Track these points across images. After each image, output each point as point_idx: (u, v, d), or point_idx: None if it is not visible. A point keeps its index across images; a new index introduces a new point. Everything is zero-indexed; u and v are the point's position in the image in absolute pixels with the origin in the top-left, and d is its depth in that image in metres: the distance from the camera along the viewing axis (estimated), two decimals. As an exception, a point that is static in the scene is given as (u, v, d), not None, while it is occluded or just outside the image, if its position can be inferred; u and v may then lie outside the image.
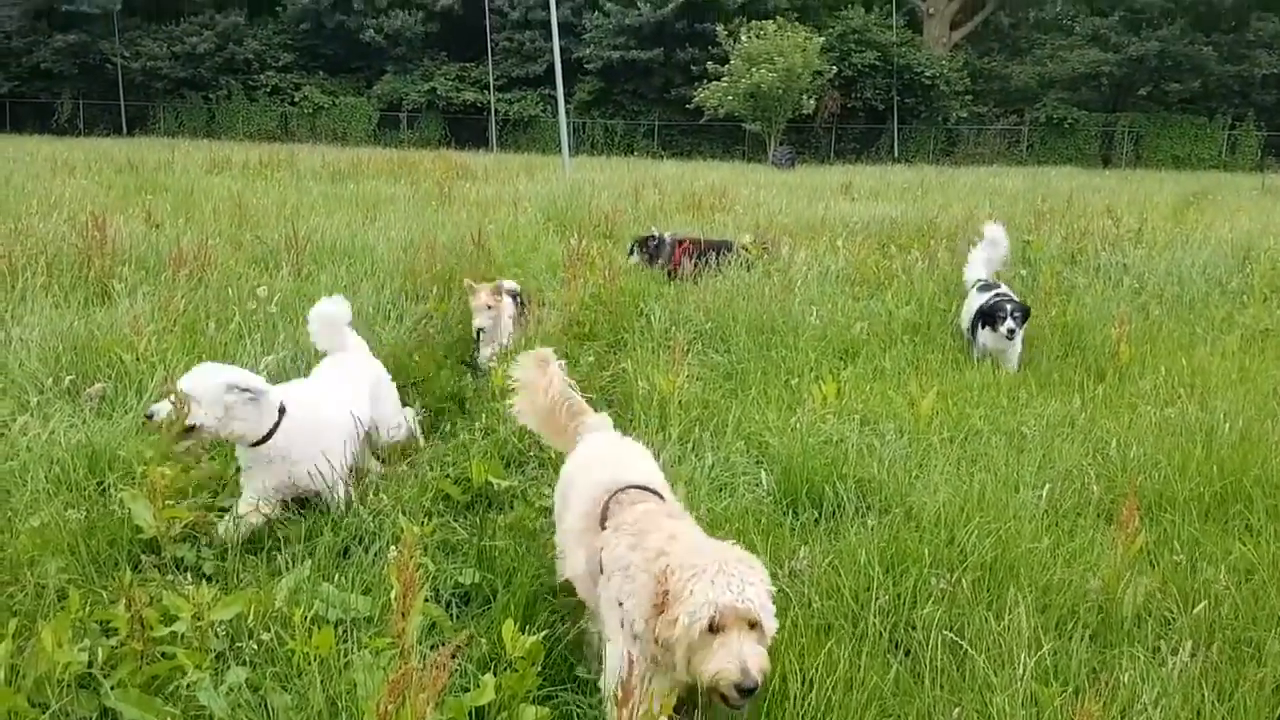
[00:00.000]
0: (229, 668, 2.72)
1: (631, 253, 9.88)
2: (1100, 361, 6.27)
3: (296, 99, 50.76)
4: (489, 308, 6.32)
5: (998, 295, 6.82)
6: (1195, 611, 3.17)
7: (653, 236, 9.94)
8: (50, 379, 4.80)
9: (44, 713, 2.54)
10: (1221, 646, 3.03)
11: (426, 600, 3.29)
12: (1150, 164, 42.66)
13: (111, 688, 2.59)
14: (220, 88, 51.11)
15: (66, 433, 4.25)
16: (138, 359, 5.10)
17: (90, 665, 2.66)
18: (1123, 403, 5.46)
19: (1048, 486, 4.21)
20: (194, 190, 14.19)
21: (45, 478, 3.80)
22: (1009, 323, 6.36)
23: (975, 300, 6.99)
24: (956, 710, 2.58)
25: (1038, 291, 7.84)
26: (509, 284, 6.89)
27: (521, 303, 6.98)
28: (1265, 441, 4.74)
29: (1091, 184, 23.45)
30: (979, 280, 7.37)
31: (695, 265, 9.09)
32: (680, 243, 9.77)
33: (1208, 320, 7.51)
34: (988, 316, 6.59)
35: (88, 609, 2.98)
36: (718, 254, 9.49)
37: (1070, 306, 7.50)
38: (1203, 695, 2.76)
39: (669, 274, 9.40)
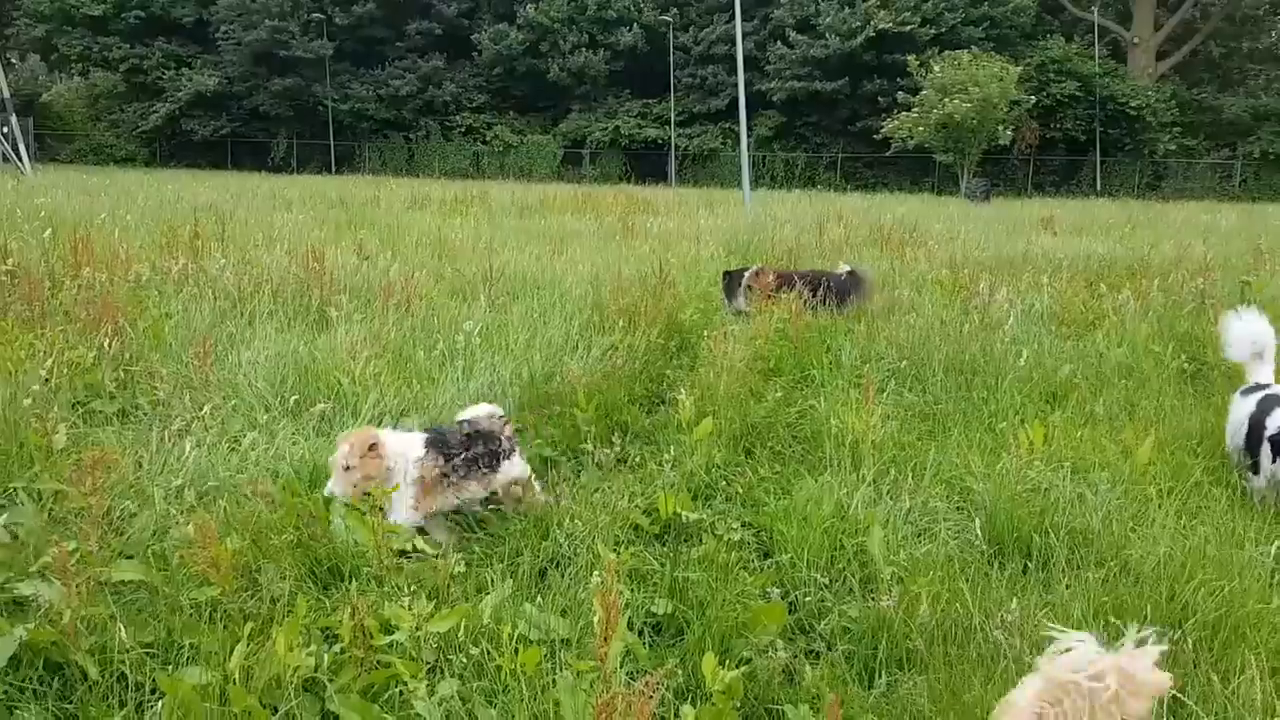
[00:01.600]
0: (441, 679, 2.82)
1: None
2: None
3: (488, 138, 53.32)
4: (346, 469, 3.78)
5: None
6: None
7: (738, 271, 9.51)
8: (277, 399, 5.16)
9: (274, 714, 2.70)
10: None
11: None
12: (1382, 200, 38.86)
13: (334, 693, 2.74)
14: (420, 128, 54.32)
15: (290, 449, 4.56)
16: (354, 382, 5.43)
17: (315, 670, 2.82)
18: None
19: (1276, 543, 3.86)
20: (398, 225, 15.06)
21: (276, 487, 4.07)
22: None
23: (1243, 407, 4.92)
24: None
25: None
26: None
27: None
28: None
29: (1318, 220, 21.57)
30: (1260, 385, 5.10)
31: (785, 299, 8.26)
32: (759, 273, 9.06)
33: None
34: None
35: (313, 616, 3.17)
36: (816, 288, 8.88)
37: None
38: None
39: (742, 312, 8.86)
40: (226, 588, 3.19)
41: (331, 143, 53.53)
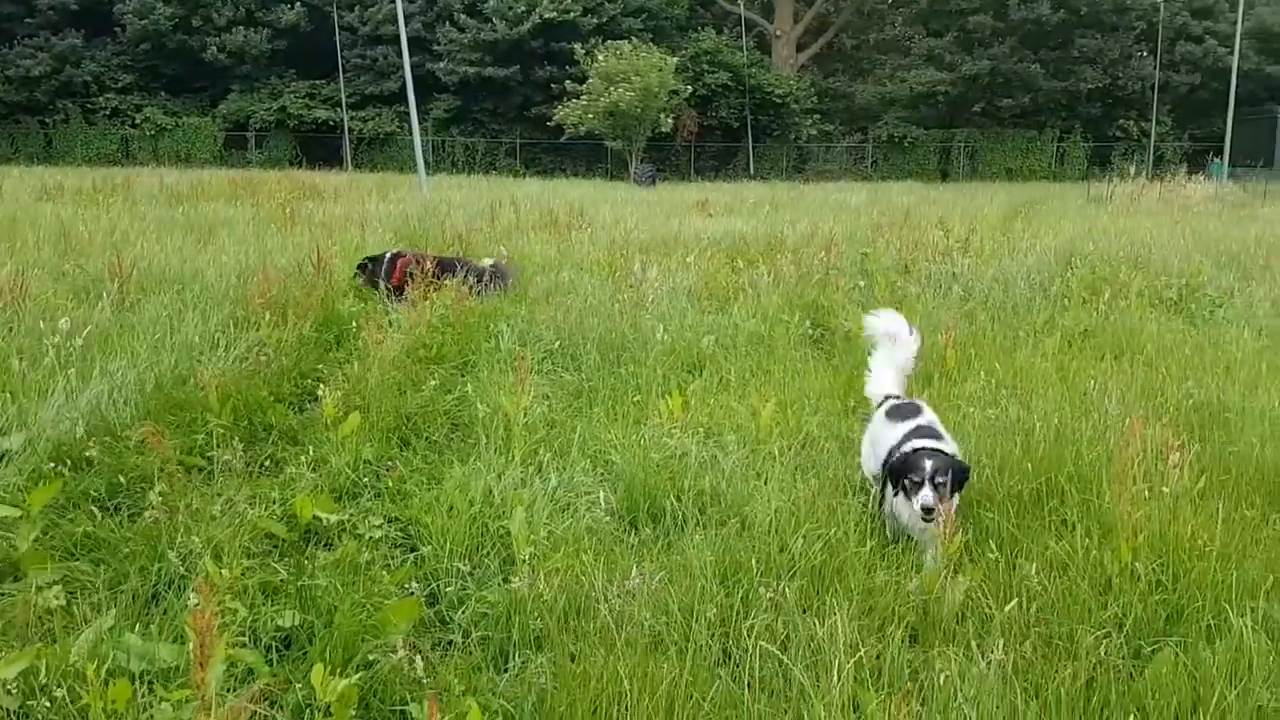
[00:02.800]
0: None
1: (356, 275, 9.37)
2: (928, 367, 6.50)
3: (138, 121, 48.59)
4: None
5: (917, 439, 4.03)
6: (1009, 609, 3.29)
7: (379, 257, 9.37)
8: None
9: None
10: (1035, 642, 3.15)
11: (242, 646, 3.14)
12: (985, 177, 45.12)
13: None
14: (57, 111, 48.43)
15: None
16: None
17: None
18: (949, 405, 5.67)
19: (873, 490, 4.33)
20: (19, 219, 13.29)
21: None
22: (925, 494, 3.71)
23: (885, 433, 4.31)
24: (776, 721, 2.61)
25: (873, 302, 8.09)
26: None
27: None
28: (1078, 439, 5.00)
29: (929, 197, 24.56)
30: (889, 397, 4.69)
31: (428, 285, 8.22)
32: (399, 256, 9.19)
33: (1030, 324, 7.91)
34: (898, 474, 3.91)
35: None
36: (457, 274, 8.77)
37: (903, 315, 7.77)
38: (1016, 691, 2.86)
39: (391, 293, 8.81)
40: None
41: (-51, 130, 46.39)
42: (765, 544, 3.81)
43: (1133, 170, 25.33)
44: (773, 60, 51.31)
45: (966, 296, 8.99)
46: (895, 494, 3.97)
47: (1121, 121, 48.27)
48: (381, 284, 8.97)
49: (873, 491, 4.35)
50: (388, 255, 9.31)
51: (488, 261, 9.77)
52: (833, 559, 3.71)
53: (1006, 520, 4.08)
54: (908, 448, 3.97)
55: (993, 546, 3.76)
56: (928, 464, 3.79)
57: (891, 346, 5.05)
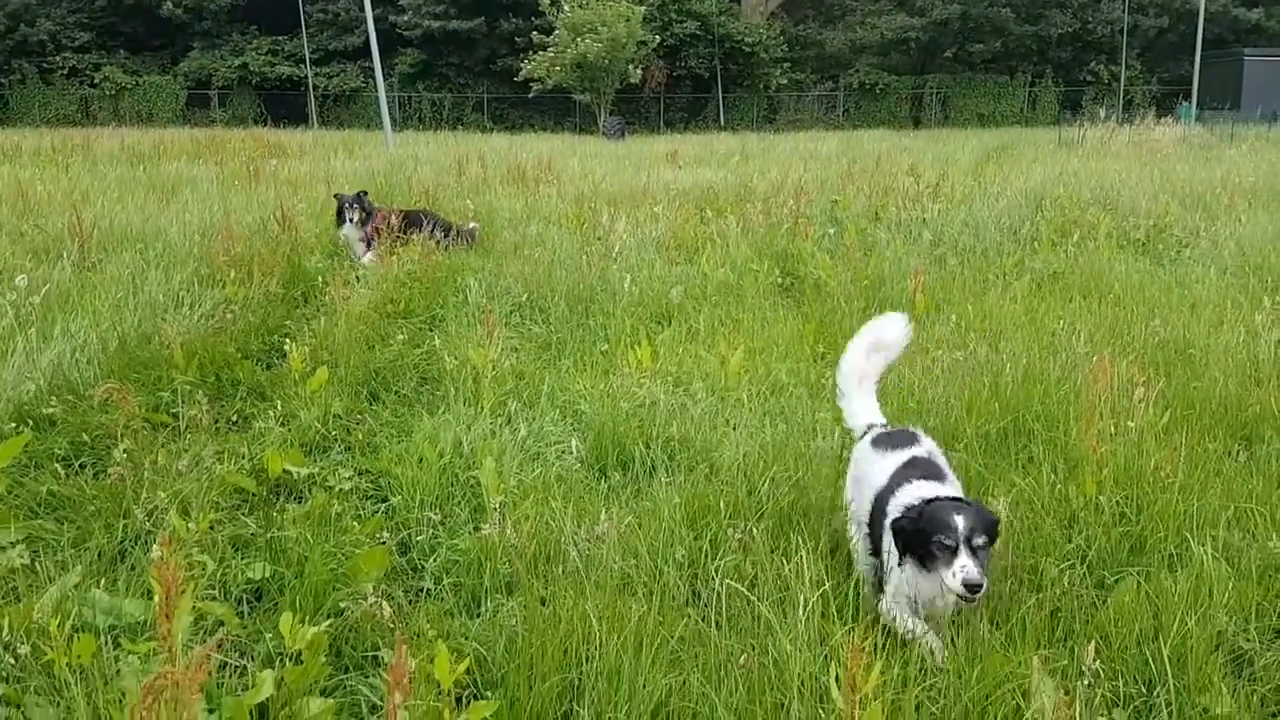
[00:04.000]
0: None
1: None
2: (899, 312, 6.53)
3: (97, 80, 47.46)
4: None
5: (921, 481, 3.03)
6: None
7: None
8: None
9: None
10: (1002, 576, 3.19)
11: (212, 599, 3.13)
12: (957, 123, 44.98)
13: None
14: (12, 71, 47.16)
15: None
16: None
17: None
18: (917, 349, 5.69)
19: (839, 432, 4.35)
20: (-30, 180, 13.02)
21: None
22: (967, 566, 2.70)
23: (874, 471, 3.26)
24: (744, 655, 2.63)
25: (842, 249, 8.10)
26: None
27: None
28: (1046, 378, 5.04)
29: (901, 145, 24.48)
30: (874, 426, 3.60)
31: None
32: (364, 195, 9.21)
33: (1000, 267, 7.94)
34: (915, 536, 2.84)
35: None
36: (424, 229, 8.84)
37: (872, 261, 7.79)
38: (983, 620, 2.91)
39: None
40: None
41: (-103, 92, 45.16)
42: (734, 488, 3.83)
43: (1103, 114, 25.33)
44: (742, 8, 50.71)
45: (937, 242, 9.01)
46: (907, 561, 2.88)
47: (1092, 65, 48.13)
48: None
49: (854, 548, 3.32)
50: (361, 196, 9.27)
51: (472, 224, 9.94)
52: (800, 499, 3.74)
53: (974, 459, 4.12)
54: (914, 494, 2.96)
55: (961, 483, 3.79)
56: (960, 521, 2.73)
57: (875, 353, 3.86)
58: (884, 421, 3.65)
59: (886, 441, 3.38)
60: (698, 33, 46.63)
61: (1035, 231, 9.44)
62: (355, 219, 8.93)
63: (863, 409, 3.72)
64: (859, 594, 3.04)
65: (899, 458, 3.22)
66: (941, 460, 3.31)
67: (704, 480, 3.95)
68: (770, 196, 11.47)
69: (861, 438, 3.56)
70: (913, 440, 3.35)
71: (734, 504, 3.67)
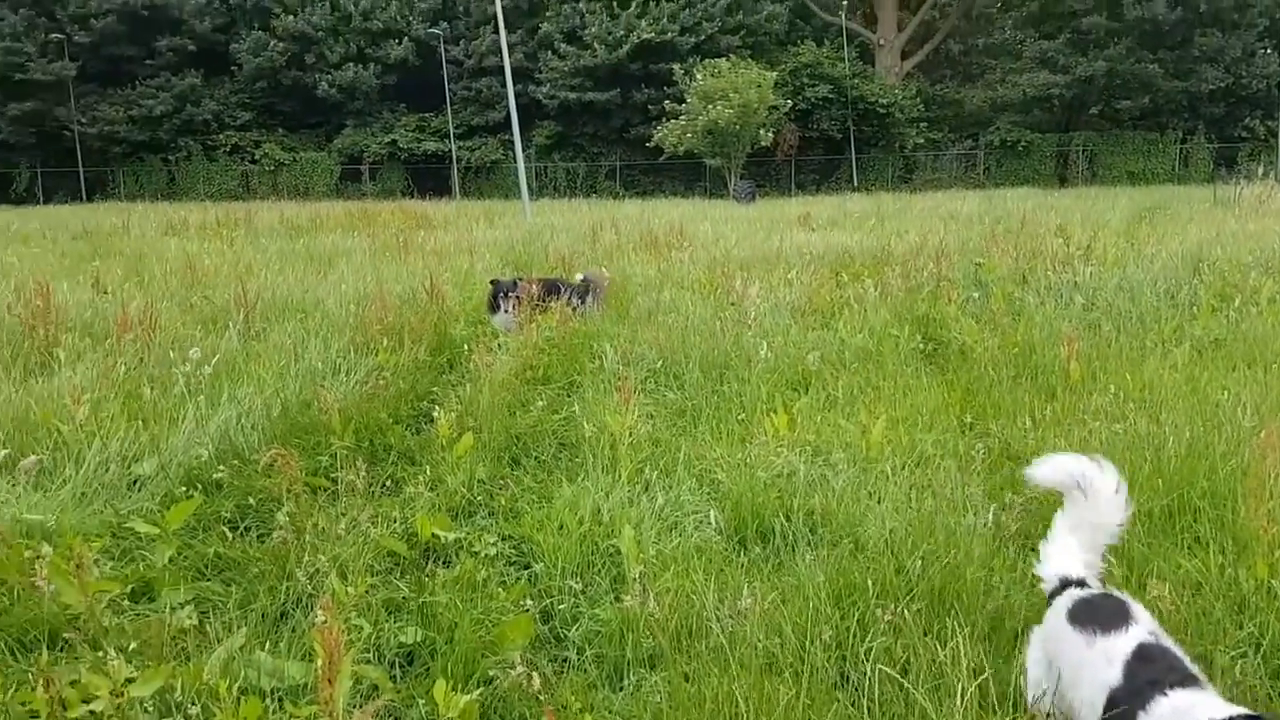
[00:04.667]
0: (153, 746, 2.63)
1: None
2: (1051, 381, 6.29)
3: (257, 156, 50.85)
4: None
5: (1167, 681, 2.26)
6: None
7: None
8: (-17, 453, 4.69)
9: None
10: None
11: (367, 663, 3.23)
12: (1106, 181, 43.46)
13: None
14: (180, 149, 51.09)
15: (1, 508, 4.14)
16: (77, 428, 5.00)
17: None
18: (1073, 420, 5.47)
19: (994, 507, 4.20)
20: (146, 254, 14.08)
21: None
22: None
23: (1081, 657, 2.49)
24: (897, 745, 2.54)
25: (988, 314, 7.88)
26: None
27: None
28: (1211, 453, 4.75)
29: (1047, 204, 23.82)
30: (1067, 584, 2.77)
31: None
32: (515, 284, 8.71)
33: (1157, 334, 7.56)
34: None
35: (10, 691, 2.88)
36: (561, 295, 8.51)
37: (1020, 327, 7.55)
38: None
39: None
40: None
41: (80, 169, 49.47)
42: (881, 565, 3.72)
43: (1260, 171, 24.05)
44: (876, 70, 50.64)
45: (1090, 306, 8.67)
46: None
47: (1246, 121, 45.95)
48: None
49: None
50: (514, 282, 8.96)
51: (579, 277, 9.90)
52: (953, 581, 3.61)
53: (1136, 539, 3.90)
54: (1180, 712, 2.18)
55: (1122, 566, 3.60)
56: None
57: (1082, 503, 2.91)
58: (1082, 576, 2.77)
59: (1090, 618, 2.53)
60: (830, 95, 46.78)
61: (1194, 296, 8.98)
62: (510, 309, 8.38)
63: (1060, 552, 2.87)
64: (1019, 682, 2.90)
65: (1120, 645, 2.42)
66: (1170, 642, 2.50)
67: (849, 556, 3.85)
68: (909, 259, 11.29)
69: (1051, 596, 2.77)
70: (1124, 615, 2.51)
71: (882, 583, 3.57)
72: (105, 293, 9.25)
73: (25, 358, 6.54)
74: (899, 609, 3.30)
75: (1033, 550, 4.04)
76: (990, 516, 4.21)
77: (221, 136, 51.21)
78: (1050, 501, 4.38)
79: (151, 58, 50.87)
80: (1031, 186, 39.55)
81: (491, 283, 8.95)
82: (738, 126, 39.90)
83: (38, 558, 3.40)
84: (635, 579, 3.64)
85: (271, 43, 49.33)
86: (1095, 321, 8.11)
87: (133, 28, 49.50)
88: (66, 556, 3.22)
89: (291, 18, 48.89)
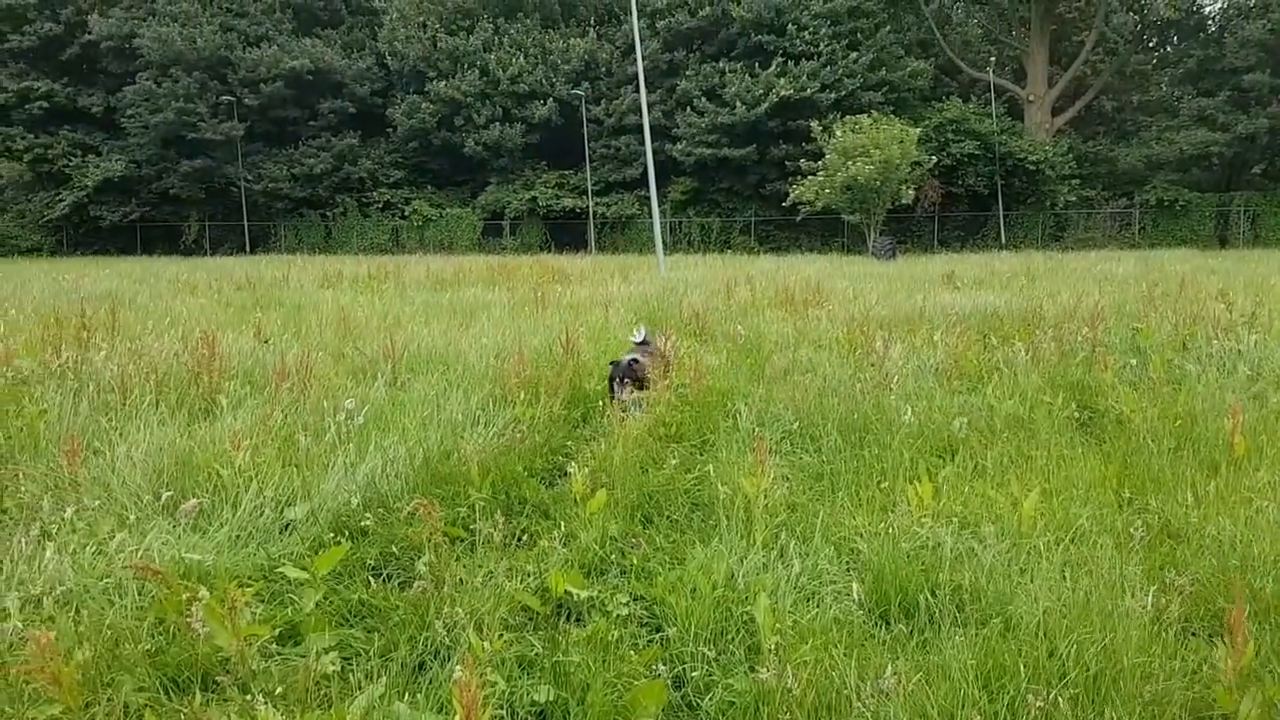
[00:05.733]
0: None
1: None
2: (1214, 454, 5.88)
3: (407, 212, 53.40)
4: None
5: None
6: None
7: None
8: (150, 495, 4.96)
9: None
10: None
11: (500, 719, 3.23)
12: (1270, 243, 41.10)
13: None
14: (336, 205, 54.18)
15: (162, 548, 4.36)
16: (235, 473, 5.24)
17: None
18: (1238, 498, 5.09)
19: (1153, 590, 3.92)
20: (304, 305, 14.82)
21: (138, 593, 3.89)
22: None
23: None
24: None
25: (1146, 382, 7.47)
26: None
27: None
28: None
29: (1206, 266, 22.60)
30: None
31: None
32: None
33: (1335, 407, 7.00)
34: None
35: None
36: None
37: (1181, 396, 7.11)
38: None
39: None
40: (70, 704, 3.01)
41: (245, 223, 52.93)
42: (1032, 648, 3.52)
43: None
44: (1025, 125, 49.44)
45: (1255, 376, 8.11)
46: None
47: None
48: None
49: None
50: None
51: (636, 335, 8.77)
52: (1110, 667, 3.38)
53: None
54: None
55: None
56: None
57: None
58: None
59: None
60: (976, 151, 45.90)
61: (1376, 365, 8.29)
62: (627, 396, 7.46)
63: None
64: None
65: None
66: None
67: (998, 636, 3.65)
68: (1062, 322, 10.83)
69: None
70: None
71: (1034, 666, 3.37)
72: (265, 342, 9.73)
73: (190, 404, 6.92)
74: (1052, 695, 3.12)
75: (1194, 635, 3.80)
76: (1149, 599, 3.94)
77: (375, 193, 54.04)
78: (1213, 584, 4.11)
79: (314, 119, 54.22)
80: (1190, 247, 37.68)
81: (611, 364, 7.95)
82: (878, 182, 39.47)
83: (195, 599, 3.55)
84: (771, 650, 3.54)
85: (424, 105, 51.86)
86: (1261, 393, 7.57)
87: (298, 91, 52.91)
88: (221, 600, 3.35)
89: (444, 83, 51.31)
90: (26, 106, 52.89)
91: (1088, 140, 50.61)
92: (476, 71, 51.58)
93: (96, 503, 4.79)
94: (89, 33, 53.11)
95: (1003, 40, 54.69)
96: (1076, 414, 7.20)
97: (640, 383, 7.50)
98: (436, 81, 51.66)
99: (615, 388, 7.62)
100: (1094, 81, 51.60)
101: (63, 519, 4.53)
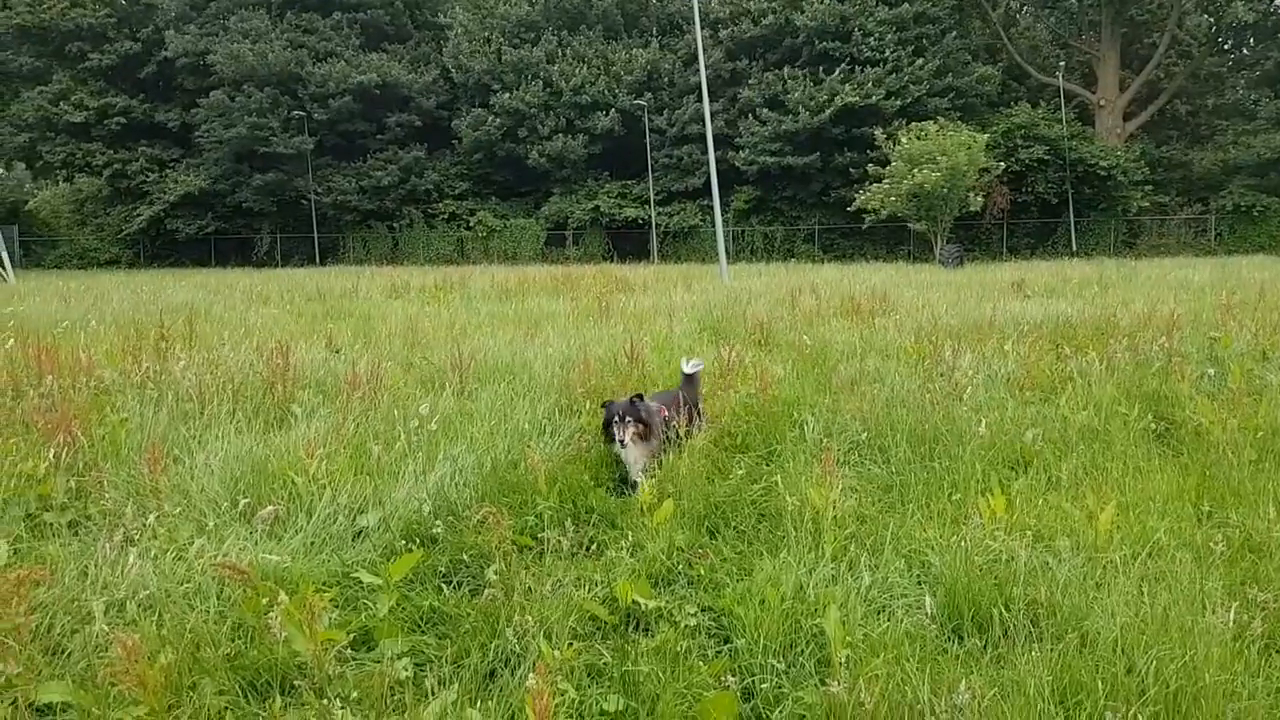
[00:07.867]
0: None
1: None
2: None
3: (471, 224, 54.14)
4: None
5: None
6: None
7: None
8: (227, 502, 5.09)
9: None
10: None
11: (569, 728, 3.26)
12: (1357, 248, 39.53)
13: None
14: (403, 217, 55.20)
15: (239, 554, 4.48)
16: (309, 480, 5.36)
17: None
18: (1325, 516, 4.91)
19: (1235, 607, 3.80)
20: (373, 315, 15.10)
21: (218, 598, 4.00)
22: None
23: None
24: None
25: (1225, 393, 7.24)
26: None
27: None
28: None
29: (1289, 271, 21.85)
30: None
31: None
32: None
33: None
34: None
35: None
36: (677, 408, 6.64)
37: (1262, 408, 6.89)
38: None
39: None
40: (155, 706, 3.10)
41: (315, 235, 54.14)
42: (1110, 664, 3.44)
43: None
44: (1096, 130, 48.40)
45: (1343, 386, 7.83)
46: None
47: None
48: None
49: None
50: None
51: (688, 365, 7.37)
52: (1190, 685, 3.29)
53: None
54: None
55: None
56: None
57: None
58: None
59: None
60: (1045, 157, 45.07)
61: None
62: (627, 438, 6.10)
63: None
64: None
65: None
66: None
67: (1074, 652, 3.58)
68: (1136, 331, 10.57)
69: None
70: None
71: (1112, 683, 3.30)
72: (337, 352, 9.93)
73: (266, 413, 7.09)
74: (1131, 712, 3.05)
75: (1278, 654, 3.68)
76: (1231, 615, 3.83)
77: (441, 205, 54.93)
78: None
79: (381, 133, 55.30)
80: (1269, 254, 36.48)
81: (603, 406, 6.49)
82: (945, 189, 38.92)
83: (274, 603, 3.64)
84: (842, 663, 3.51)
85: (489, 118, 52.56)
86: (1353, 403, 7.30)
87: (366, 105, 54.01)
88: (300, 605, 3.43)
89: (508, 95, 51.96)
90: (105, 123, 54.82)
91: (1161, 145, 49.38)
92: (540, 83, 52.15)
93: (177, 509, 4.93)
94: (165, 50, 54.84)
95: (1072, 44, 53.62)
96: (1153, 425, 7.02)
97: (646, 425, 6.18)
98: (501, 94, 52.34)
99: (615, 430, 6.33)
100: (1167, 85, 50.35)
101: (144, 525, 4.68)
